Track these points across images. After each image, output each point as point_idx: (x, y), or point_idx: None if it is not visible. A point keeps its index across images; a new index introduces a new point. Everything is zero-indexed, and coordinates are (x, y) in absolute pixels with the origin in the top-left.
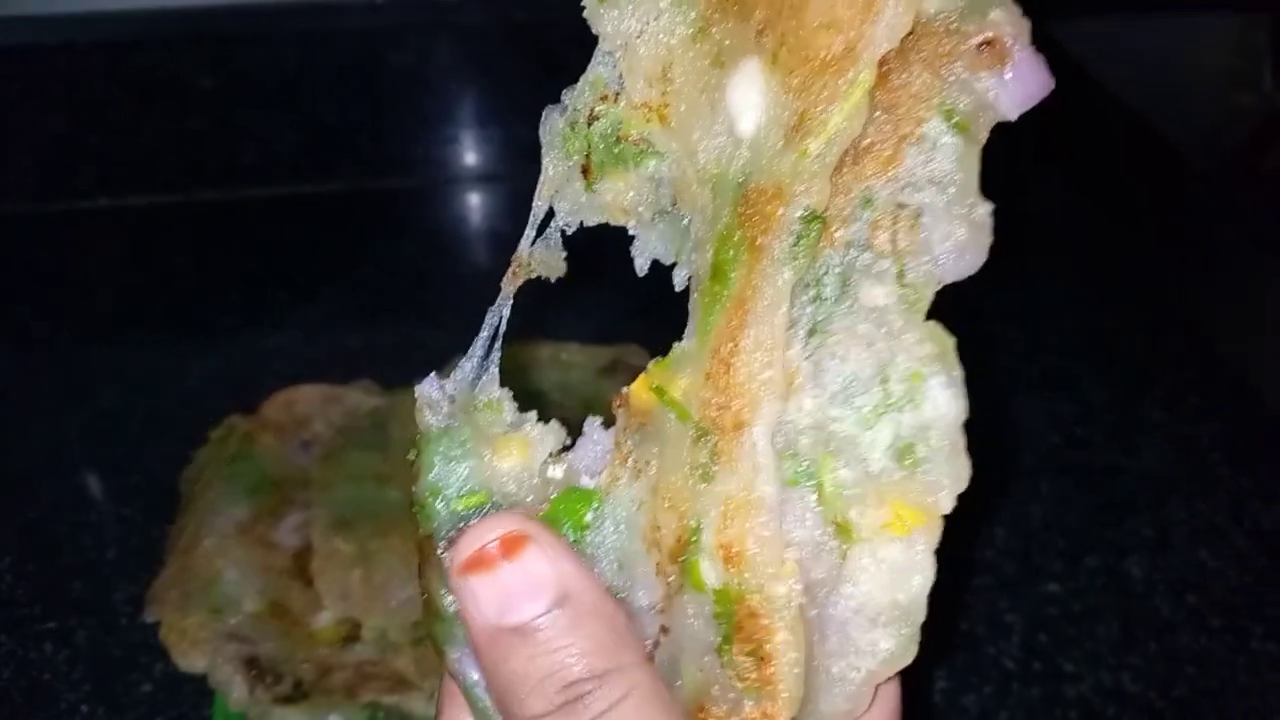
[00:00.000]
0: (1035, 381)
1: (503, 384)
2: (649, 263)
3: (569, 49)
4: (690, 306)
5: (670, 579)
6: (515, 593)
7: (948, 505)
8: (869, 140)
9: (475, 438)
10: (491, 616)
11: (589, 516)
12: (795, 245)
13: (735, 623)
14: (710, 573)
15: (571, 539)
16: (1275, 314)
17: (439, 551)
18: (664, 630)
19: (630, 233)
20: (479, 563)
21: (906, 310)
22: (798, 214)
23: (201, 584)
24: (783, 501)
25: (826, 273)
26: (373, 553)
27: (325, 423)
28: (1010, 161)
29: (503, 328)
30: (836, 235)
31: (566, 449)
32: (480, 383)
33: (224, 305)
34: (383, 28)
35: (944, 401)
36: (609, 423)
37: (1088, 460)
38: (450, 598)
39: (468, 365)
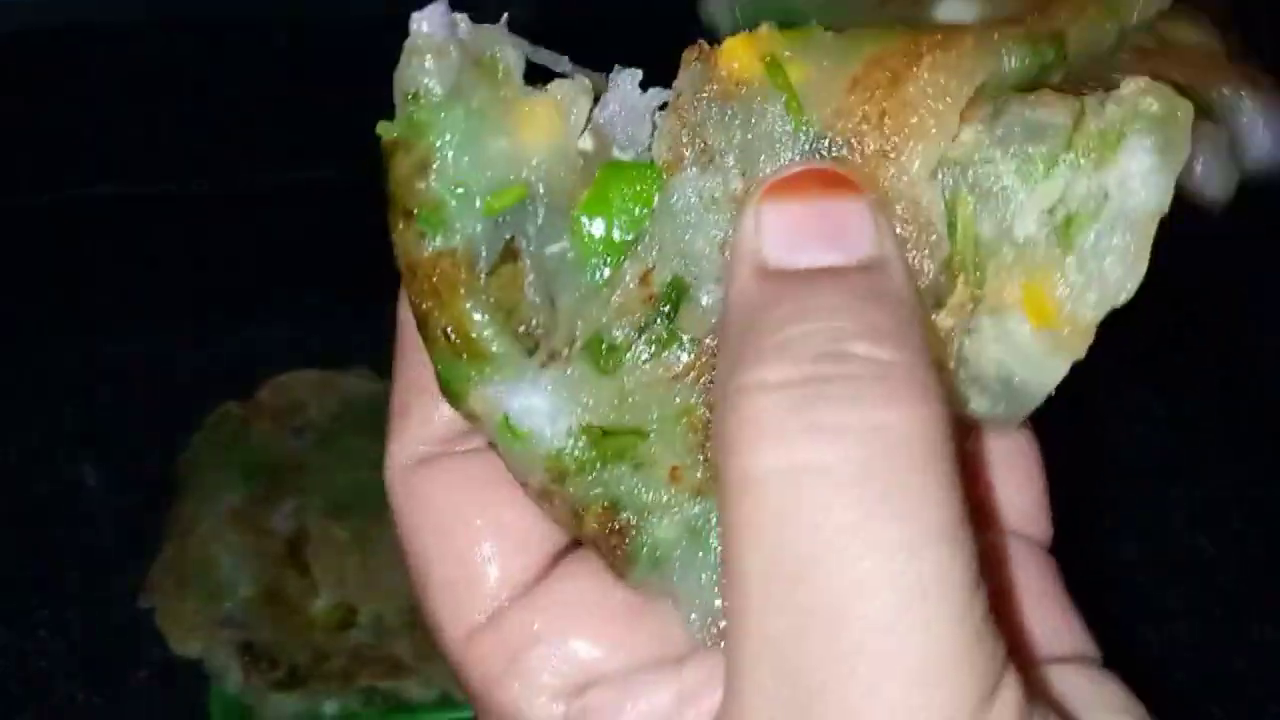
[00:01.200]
0: None
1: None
2: None
3: (556, 44)
4: None
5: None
6: (821, 231)
7: (1096, 314)
8: None
9: (494, 107)
10: (777, 250)
11: (655, 200)
12: None
13: None
14: None
15: (627, 225)
16: (1275, 300)
17: (481, 269)
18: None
19: None
20: (788, 188)
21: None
22: None
23: (197, 570)
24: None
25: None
26: (368, 538)
27: (320, 409)
28: None
29: None
30: None
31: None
32: (502, 31)
33: (218, 293)
34: (375, 14)
35: (1142, 172)
36: (646, 83)
37: (1087, 445)
38: (492, 331)
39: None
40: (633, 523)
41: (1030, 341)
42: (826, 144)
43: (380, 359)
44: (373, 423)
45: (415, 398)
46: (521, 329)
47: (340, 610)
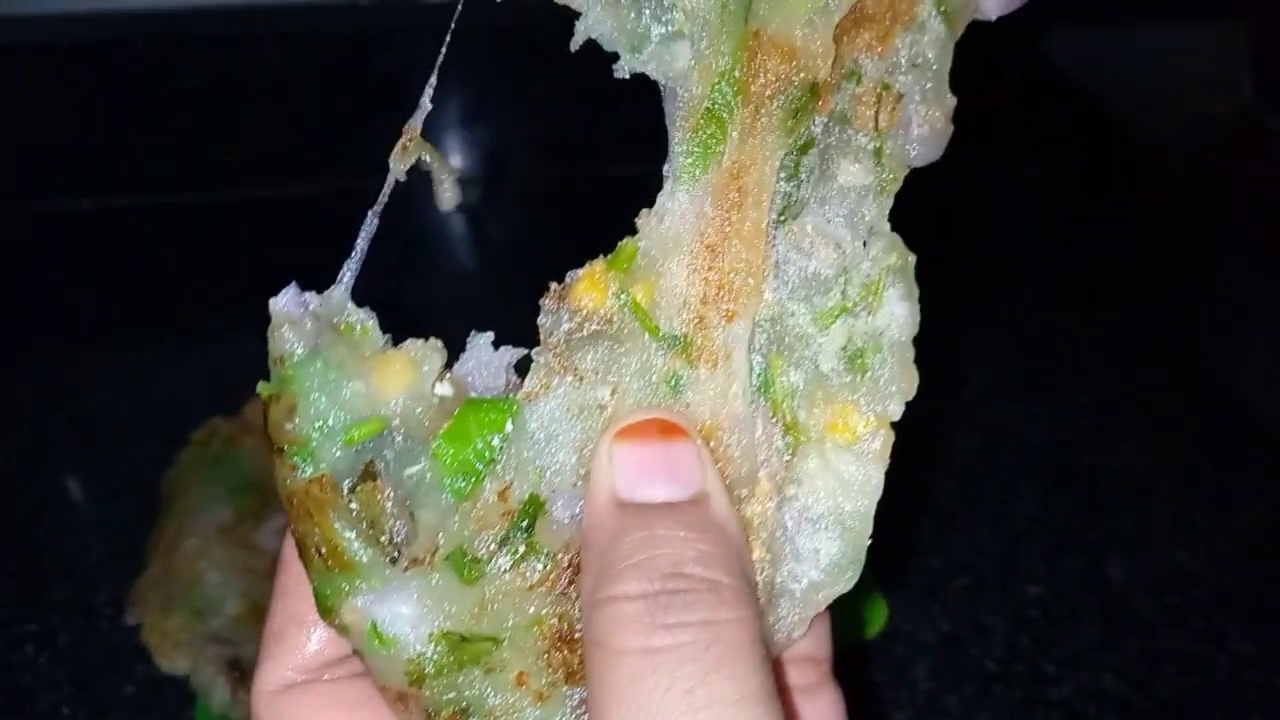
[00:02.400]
0: (1015, 383)
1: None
2: (583, 42)
3: (551, 52)
4: (673, 136)
5: None
6: (660, 471)
7: (896, 412)
8: (870, 10)
9: (351, 360)
10: (626, 486)
11: (508, 426)
12: (794, 116)
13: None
14: None
15: (482, 450)
16: (1255, 315)
17: (344, 490)
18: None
19: (574, 6)
20: (634, 432)
21: (880, 194)
22: (799, 77)
23: (183, 586)
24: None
25: (807, 147)
26: None
27: None
28: (993, 166)
29: (370, 232)
30: (822, 105)
31: (449, 367)
32: (345, 303)
33: (208, 307)
34: (367, 29)
35: (901, 312)
36: (497, 342)
37: (1068, 462)
38: (358, 543)
39: (336, 290)
40: None
41: (848, 463)
42: (680, 337)
43: None
44: None
45: (290, 625)
46: (384, 540)
47: None
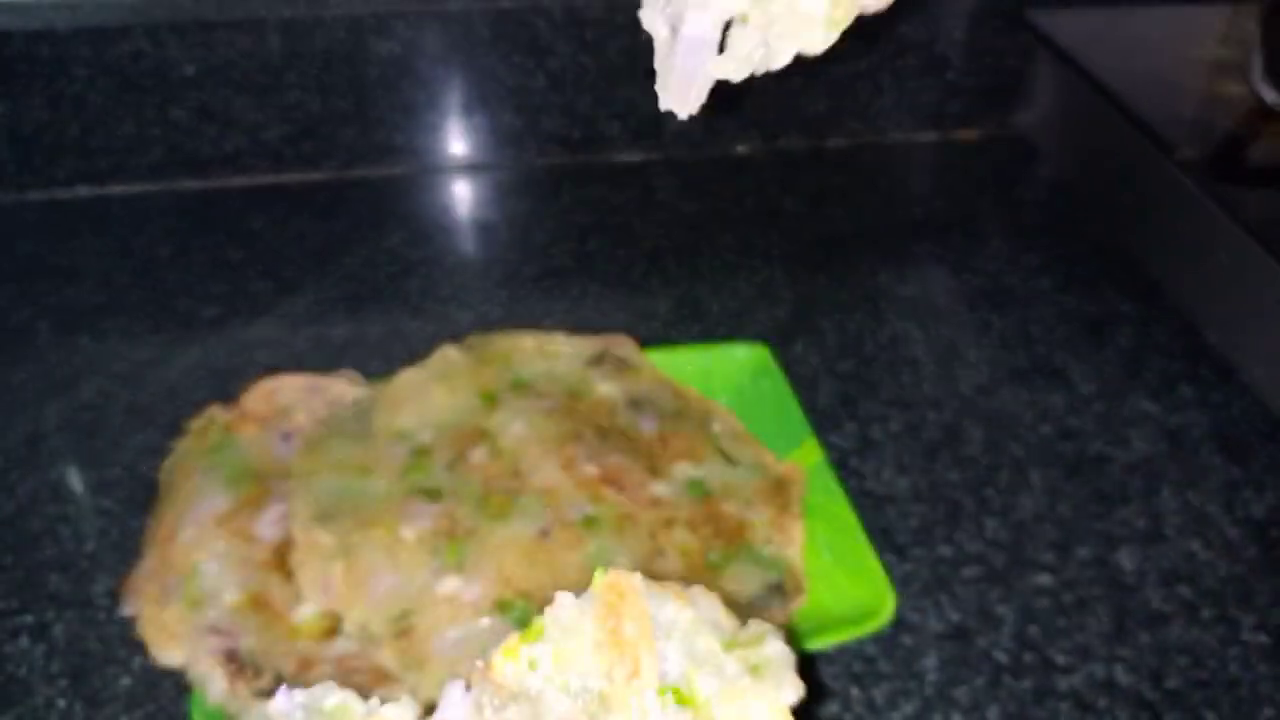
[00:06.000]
0: (1024, 372)
1: (486, 374)
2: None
3: (555, 37)
4: None
5: None
6: None
7: (792, 700)
8: None
9: None
10: None
11: None
12: None
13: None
14: None
15: None
16: (1263, 303)
17: None
18: None
19: None
20: None
21: None
22: None
23: (180, 577)
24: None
25: None
26: (354, 545)
27: (307, 413)
28: (996, 151)
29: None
30: None
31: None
32: (327, 692)
33: (205, 295)
34: (367, 15)
35: (780, 649)
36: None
37: (1078, 451)
38: None
39: (320, 687)
40: None
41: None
42: (593, 689)
43: (367, 362)
44: (360, 427)
45: None
46: None
47: (326, 618)
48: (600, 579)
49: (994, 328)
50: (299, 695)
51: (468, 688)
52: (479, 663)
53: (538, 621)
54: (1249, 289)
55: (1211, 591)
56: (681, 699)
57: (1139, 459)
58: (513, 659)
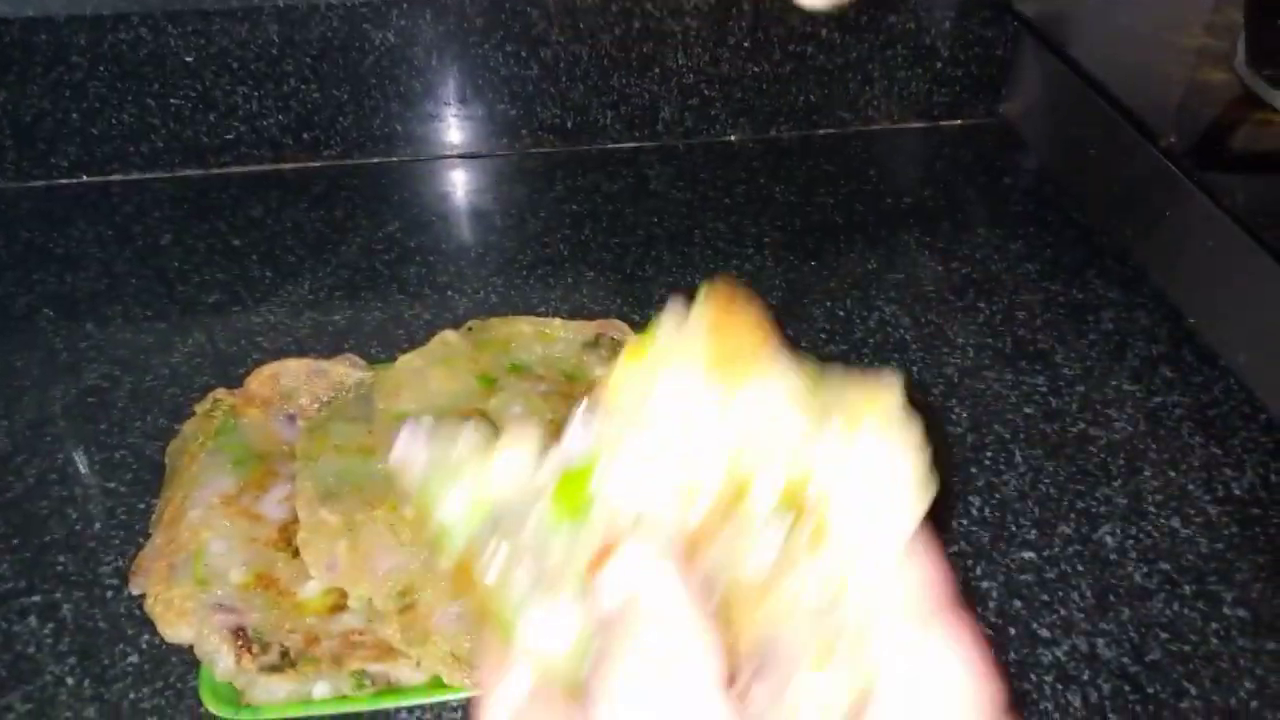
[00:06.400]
0: (1008, 354)
1: (484, 357)
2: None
3: (547, 26)
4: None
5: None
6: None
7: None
8: None
9: (459, 467)
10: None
11: (594, 482)
12: None
13: (800, 506)
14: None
15: (579, 502)
16: (1244, 288)
17: (483, 557)
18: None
19: None
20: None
21: None
22: None
23: (187, 556)
24: None
25: None
26: (358, 523)
27: (310, 396)
28: (981, 138)
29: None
30: None
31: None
32: (445, 430)
33: (208, 282)
34: (363, 4)
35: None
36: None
37: (1061, 431)
38: (505, 588)
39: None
40: None
41: None
42: (705, 403)
43: (368, 347)
44: (362, 409)
45: (489, 669)
46: (526, 582)
47: (331, 595)
48: (706, 291)
49: (980, 312)
50: (425, 430)
51: (585, 413)
52: (594, 389)
53: (643, 340)
54: (1232, 274)
55: (1192, 567)
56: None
57: (1121, 439)
58: (627, 378)
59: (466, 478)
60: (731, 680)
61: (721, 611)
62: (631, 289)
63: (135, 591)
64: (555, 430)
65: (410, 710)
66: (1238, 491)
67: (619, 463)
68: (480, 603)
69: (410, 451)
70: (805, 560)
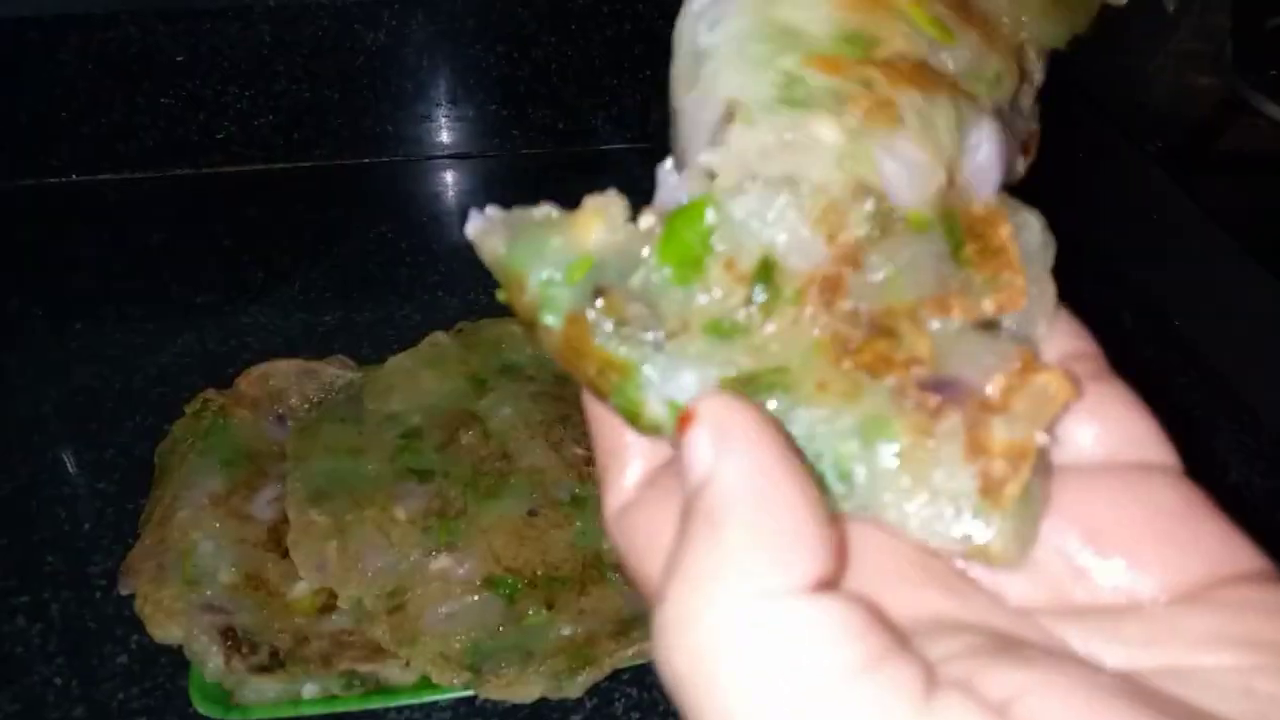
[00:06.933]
0: None
1: (475, 358)
2: None
3: (539, 27)
4: None
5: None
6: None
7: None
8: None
9: (543, 229)
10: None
11: (710, 215)
12: None
13: (963, 230)
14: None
15: (694, 240)
16: (1230, 291)
17: (590, 315)
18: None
19: None
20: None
21: None
22: None
23: (177, 556)
24: None
25: None
26: (348, 524)
27: (300, 397)
28: None
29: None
30: None
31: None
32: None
33: (198, 282)
34: (354, 4)
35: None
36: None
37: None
38: (623, 348)
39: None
40: (806, 446)
41: None
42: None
43: (358, 348)
44: (352, 410)
45: (611, 459)
46: (641, 334)
47: (320, 595)
48: None
49: None
50: (491, 210)
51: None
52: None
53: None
54: (1217, 277)
55: None
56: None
57: None
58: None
59: (557, 234)
60: (838, 558)
61: (880, 344)
62: None
63: (124, 592)
64: (548, 432)
65: (399, 711)
66: (1226, 484)
67: (739, 194)
68: (592, 374)
69: (485, 225)
70: (966, 279)
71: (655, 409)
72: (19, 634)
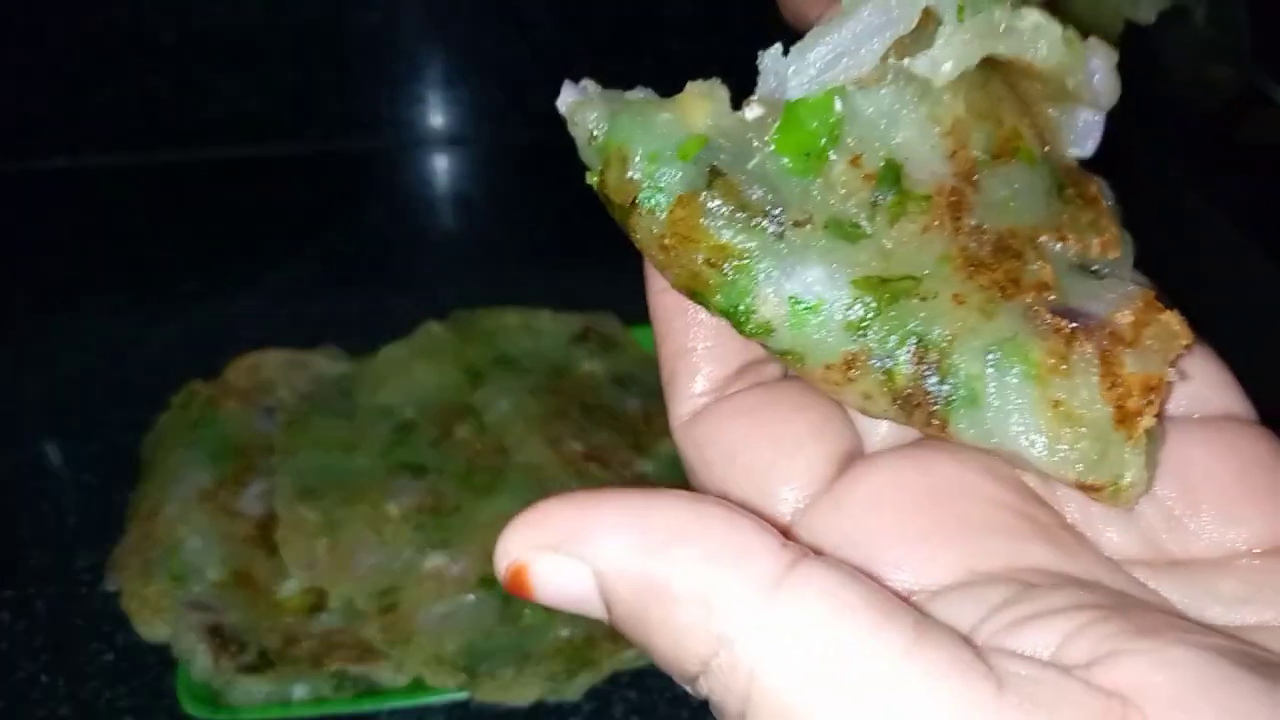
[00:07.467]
0: None
1: (470, 350)
2: None
3: (537, 9)
4: None
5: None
6: None
7: None
8: None
9: (648, 105)
10: None
11: (838, 106)
12: None
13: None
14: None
15: (818, 130)
16: (1246, 283)
17: (701, 199)
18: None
19: None
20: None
21: None
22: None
23: (163, 552)
24: None
25: None
26: (338, 521)
27: (290, 389)
28: None
29: None
30: None
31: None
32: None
33: (186, 269)
34: None
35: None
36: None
37: None
38: (741, 235)
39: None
40: (942, 358)
41: None
42: None
43: (349, 338)
44: (343, 403)
45: (680, 363)
46: (761, 220)
47: (310, 594)
48: None
49: None
50: (587, 83)
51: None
52: None
53: None
54: (1231, 269)
55: None
56: None
57: None
58: None
59: (663, 113)
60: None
61: (1011, 264)
62: (621, 280)
63: (110, 588)
64: (545, 427)
65: (391, 713)
66: None
67: (866, 92)
68: (697, 265)
69: (581, 98)
70: (1074, 217)
71: (771, 306)
72: (3, 630)
